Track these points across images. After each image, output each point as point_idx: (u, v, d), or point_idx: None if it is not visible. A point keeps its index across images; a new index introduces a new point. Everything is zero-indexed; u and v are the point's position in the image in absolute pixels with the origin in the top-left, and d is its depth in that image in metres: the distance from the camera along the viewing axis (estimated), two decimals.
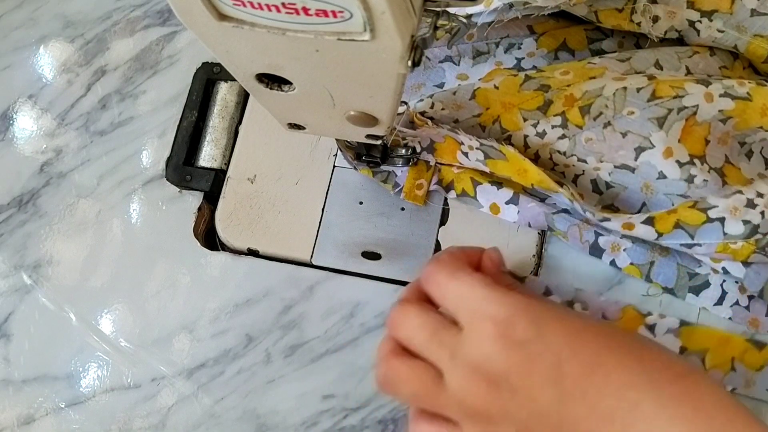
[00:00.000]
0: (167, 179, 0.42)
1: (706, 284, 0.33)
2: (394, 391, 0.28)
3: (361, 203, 0.39)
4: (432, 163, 0.38)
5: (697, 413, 0.23)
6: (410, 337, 0.28)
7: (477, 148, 0.35)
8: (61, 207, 0.43)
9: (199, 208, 0.41)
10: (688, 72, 0.35)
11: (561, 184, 0.34)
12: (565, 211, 0.35)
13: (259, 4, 0.19)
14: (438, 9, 0.22)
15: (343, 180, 0.40)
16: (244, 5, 0.19)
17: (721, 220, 0.31)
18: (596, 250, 0.35)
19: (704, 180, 0.32)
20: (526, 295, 0.27)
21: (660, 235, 0.32)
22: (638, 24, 0.36)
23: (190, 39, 0.46)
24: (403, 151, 0.38)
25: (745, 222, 0.31)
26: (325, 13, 0.19)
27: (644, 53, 0.36)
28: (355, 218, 0.39)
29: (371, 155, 0.37)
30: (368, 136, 0.31)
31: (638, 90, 0.33)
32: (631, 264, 0.34)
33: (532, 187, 0.35)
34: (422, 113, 0.37)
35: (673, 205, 0.32)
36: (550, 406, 0.25)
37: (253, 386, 0.37)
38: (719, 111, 0.32)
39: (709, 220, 0.31)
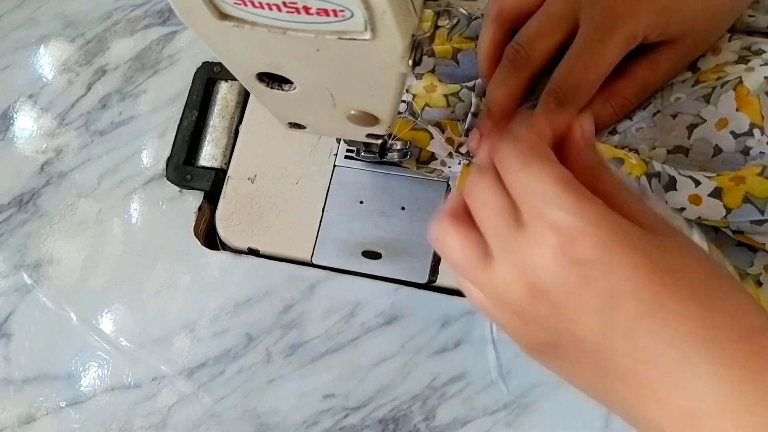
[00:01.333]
0: (167, 179, 0.42)
1: (759, 283, 0.33)
2: (441, 252, 0.27)
3: (361, 202, 0.39)
4: None
5: (749, 377, 0.21)
6: (476, 207, 0.26)
7: None
8: (62, 207, 0.43)
9: (200, 208, 0.41)
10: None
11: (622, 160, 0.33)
12: None
13: (260, 3, 0.19)
14: (439, 9, 0.22)
15: (343, 179, 0.40)
16: (245, 4, 0.19)
17: None
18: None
19: (761, 152, 0.32)
20: (601, 206, 0.23)
21: (728, 211, 0.31)
22: None
23: (190, 38, 0.46)
24: (400, 145, 0.38)
25: None
26: (326, 13, 0.19)
27: None
28: (356, 217, 0.39)
29: (370, 150, 0.38)
30: (369, 136, 0.31)
31: (683, 81, 0.35)
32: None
33: None
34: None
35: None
36: (588, 334, 0.23)
37: (254, 386, 0.37)
38: (765, 78, 0.33)
39: None
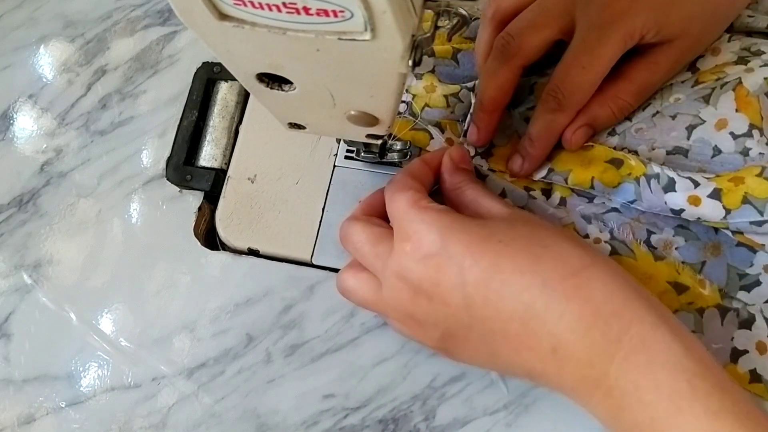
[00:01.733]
0: (167, 179, 0.42)
1: (757, 282, 0.33)
2: (348, 299, 0.33)
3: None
4: (485, 168, 0.37)
5: (585, 307, 0.25)
6: (355, 250, 0.31)
7: None
8: (62, 207, 0.43)
9: (200, 208, 0.41)
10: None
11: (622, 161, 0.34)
12: (615, 210, 0.35)
13: (260, 3, 0.19)
14: (439, 9, 0.22)
15: (343, 179, 0.40)
16: (245, 5, 0.19)
17: None
18: (648, 250, 0.34)
19: (760, 153, 0.32)
20: (441, 212, 0.28)
21: (728, 212, 0.31)
22: None
23: (190, 39, 0.46)
24: (400, 145, 0.38)
25: None
26: (326, 13, 0.19)
27: None
28: None
29: (370, 150, 0.38)
30: (369, 136, 0.31)
31: (682, 82, 0.35)
32: (683, 263, 0.34)
33: (591, 185, 0.35)
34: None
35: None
36: (460, 310, 0.27)
37: (254, 386, 0.37)
38: (764, 79, 0.33)
39: None
